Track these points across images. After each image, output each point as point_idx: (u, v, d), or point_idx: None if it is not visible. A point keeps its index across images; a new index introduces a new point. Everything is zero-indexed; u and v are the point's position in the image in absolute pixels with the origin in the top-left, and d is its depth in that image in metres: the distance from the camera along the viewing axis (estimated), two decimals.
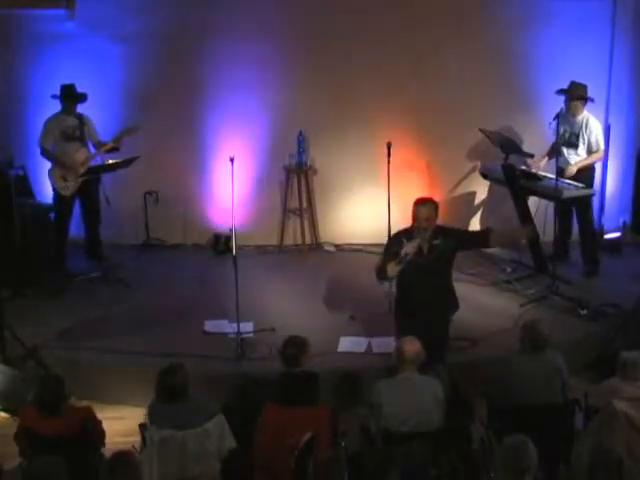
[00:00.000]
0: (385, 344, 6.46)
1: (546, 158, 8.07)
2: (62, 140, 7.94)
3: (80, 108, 8.01)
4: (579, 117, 7.83)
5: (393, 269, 5.81)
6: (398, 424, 4.99)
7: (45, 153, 7.98)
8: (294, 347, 5.23)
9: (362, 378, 5.38)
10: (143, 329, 7.00)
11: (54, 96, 7.92)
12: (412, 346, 5.17)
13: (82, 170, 7.92)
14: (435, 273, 5.93)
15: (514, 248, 7.87)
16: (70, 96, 7.91)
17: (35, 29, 8.42)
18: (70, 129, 7.96)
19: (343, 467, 4.24)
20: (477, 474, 4.81)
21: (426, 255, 5.91)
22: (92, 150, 8.10)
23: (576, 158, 7.88)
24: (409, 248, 5.74)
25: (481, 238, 6.15)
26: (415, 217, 5.87)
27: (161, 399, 4.98)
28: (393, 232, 6.40)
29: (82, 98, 7.97)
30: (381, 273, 5.94)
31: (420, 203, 5.93)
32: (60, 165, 7.90)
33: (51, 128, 7.93)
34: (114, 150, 8.03)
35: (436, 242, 5.89)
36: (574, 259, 8.19)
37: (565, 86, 7.77)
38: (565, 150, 7.92)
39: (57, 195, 8.00)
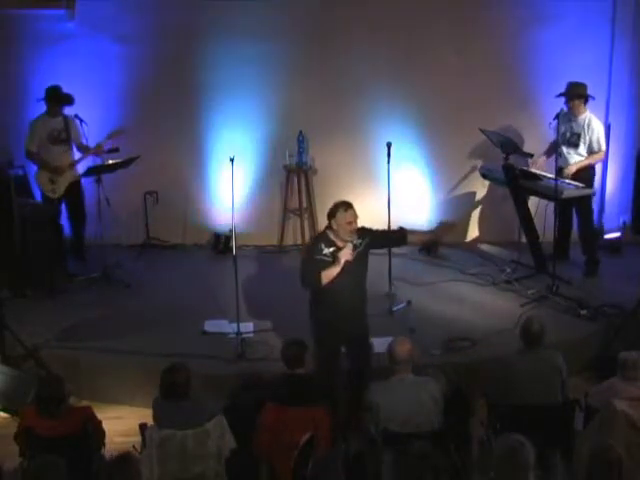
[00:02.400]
0: (385, 344, 6.43)
1: (544, 156, 8.08)
2: (48, 142, 7.90)
3: (79, 108, 7.98)
4: (581, 117, 7.81)
5: (328, 275, 5.67)
6: (397, 425, 4.98)
7: (30, 156, 7.93)
8: (295, 348, 5.25)
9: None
10: (143, 329, 6.99)
11: (39, 99, 7.87)
12: (403, 346, 5.16)
13: (69, 172, 7.90)
14: (353, 272, 5.82)
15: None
16: (54, 98, 7.83)
17: (35, 29, 8.42)
18: (56, 132, 7.91)
19: (343, 467, 4.24)
20: (476, 474, 4.80)
21: None
22: (77, 153, 8.05)
23: (576, 157, 7.86)
24: (347, 255, 5.67)
25: (397, 237, 6.22)
26: (346, 221, 5.73)
27: (163, 396, 4.99)
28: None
29: (67, 100, 7.86)
30: (315, 281, 5.71)
31: (345, 206, 5.82)
32: (47, 168, 7.87)
33: (36, 130, 7.88)
34: (114, 151, 8.02)
35: (355, 242, 5.84)
36: (574, 259, 8.19)
37: (565, 86, 7.78)
38: (565, 149, 7.90)
39: (45, 198, 7.98)
